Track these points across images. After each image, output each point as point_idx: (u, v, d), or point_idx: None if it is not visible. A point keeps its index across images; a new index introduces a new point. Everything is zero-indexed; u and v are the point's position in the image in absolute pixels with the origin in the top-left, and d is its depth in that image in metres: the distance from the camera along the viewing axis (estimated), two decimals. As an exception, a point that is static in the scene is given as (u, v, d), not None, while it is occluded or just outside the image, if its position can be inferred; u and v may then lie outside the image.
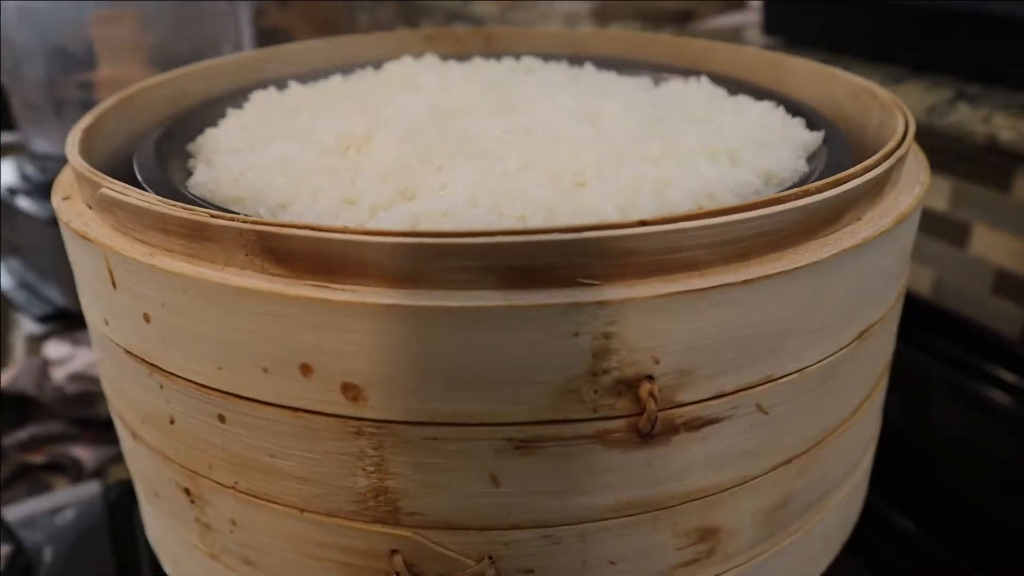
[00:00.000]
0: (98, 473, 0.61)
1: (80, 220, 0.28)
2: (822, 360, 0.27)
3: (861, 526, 0.36)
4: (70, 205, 0.30)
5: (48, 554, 0.51)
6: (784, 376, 0.26)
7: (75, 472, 0.61)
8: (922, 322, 0.62)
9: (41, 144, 0.80)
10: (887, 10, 0.69)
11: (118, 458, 0.60)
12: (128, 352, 0.28)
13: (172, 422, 0.28)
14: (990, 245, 0.65)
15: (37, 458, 0.61)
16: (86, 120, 0.34)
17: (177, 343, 0.26)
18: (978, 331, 0.61)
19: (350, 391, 0.24)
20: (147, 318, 0.26)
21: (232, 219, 0.24)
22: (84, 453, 0.61)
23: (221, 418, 0.26)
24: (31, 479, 0.61)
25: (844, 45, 0.74)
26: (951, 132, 0.61)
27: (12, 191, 0.82)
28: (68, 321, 0.77)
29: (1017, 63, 0.60)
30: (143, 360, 0.27)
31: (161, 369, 0.27)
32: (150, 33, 0.77)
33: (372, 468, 0.25)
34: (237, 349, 0.24)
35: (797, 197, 0.24)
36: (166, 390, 0.27)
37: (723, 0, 1.03)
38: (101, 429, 0.64)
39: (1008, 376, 0.55)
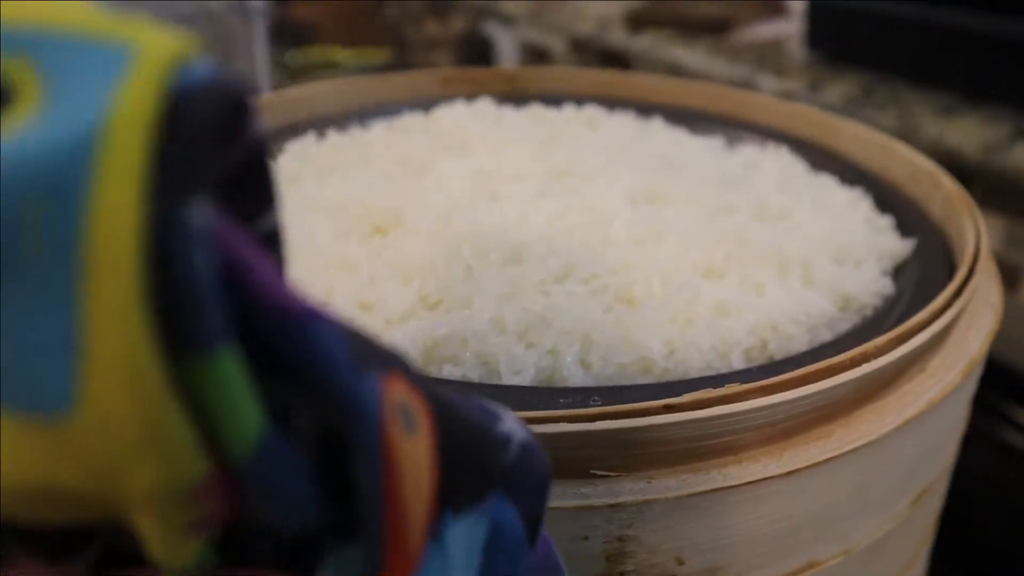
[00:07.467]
0: None
1: None
2: (872, 534, 0.23)
3: None
4: None
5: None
6: (829, 559, 0.22)
7: None
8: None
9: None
10: (941, 31, 0.64)
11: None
12: None
13: None
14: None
15: None
16: None
17: None
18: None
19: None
20: None
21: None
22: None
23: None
24: None
25: (892, 66, 0.69)
26: (1010, 176, 0.56)
27: None
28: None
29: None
30: None
31: None
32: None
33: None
34: None
35: (855, 364, 0.21)
36: None
37: (760, 1, 0.98)
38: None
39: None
